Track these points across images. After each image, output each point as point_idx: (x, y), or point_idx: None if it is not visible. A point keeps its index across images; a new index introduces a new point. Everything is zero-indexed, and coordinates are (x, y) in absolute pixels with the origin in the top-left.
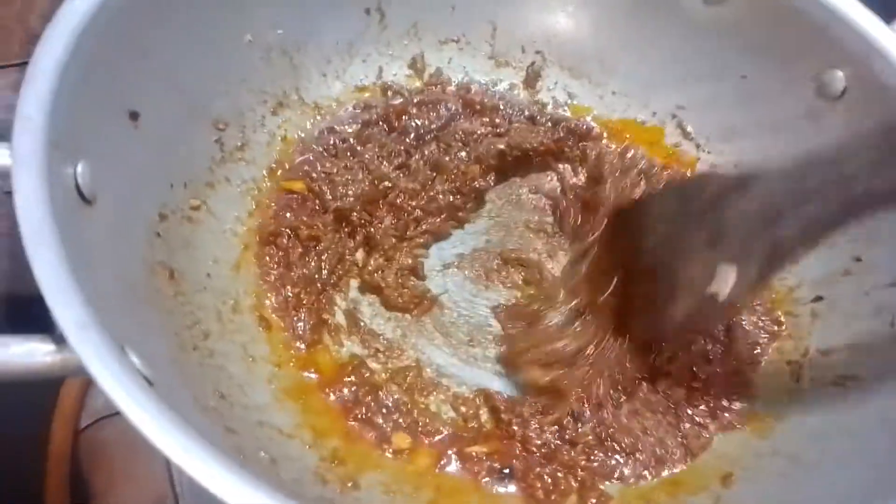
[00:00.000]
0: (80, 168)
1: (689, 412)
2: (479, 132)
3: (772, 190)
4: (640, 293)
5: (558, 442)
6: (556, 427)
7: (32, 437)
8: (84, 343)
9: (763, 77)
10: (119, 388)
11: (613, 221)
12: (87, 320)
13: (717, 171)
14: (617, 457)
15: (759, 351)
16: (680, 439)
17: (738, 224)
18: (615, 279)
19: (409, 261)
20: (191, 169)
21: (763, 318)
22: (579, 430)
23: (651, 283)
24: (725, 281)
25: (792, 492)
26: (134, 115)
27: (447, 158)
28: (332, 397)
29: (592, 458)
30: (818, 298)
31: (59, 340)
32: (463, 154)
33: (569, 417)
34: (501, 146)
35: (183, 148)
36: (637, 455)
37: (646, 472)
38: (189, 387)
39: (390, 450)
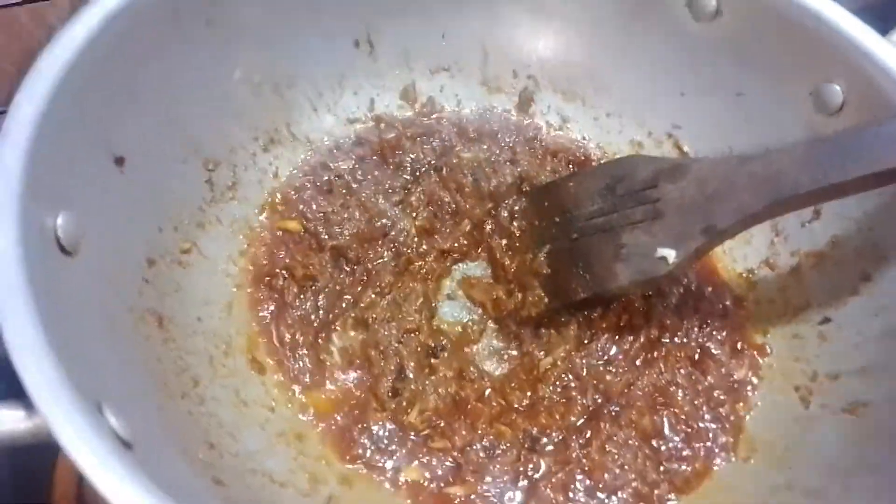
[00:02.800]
0: (60, 219)
1: (666, 442)
2: (485, 159)
3: (705, 178)
4: (581, 255)
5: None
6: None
7: (36, 491)
8: (53, 407)
9: (759, 94)
10: (89, 455)
11: (544, 194)
12: (58, 382)
13: (653, 155)
14: (600, 495)
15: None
16: (662, 473)
17: (674, 204)
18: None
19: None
20: (181, 211)
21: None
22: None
23: (591, 248)
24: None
25: None
26: (119, 161)
27: (447, 195)
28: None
29: (570, 498)
30: (826, 320)
31: (31, 405)
32: (468, 187)
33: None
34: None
35: (172, 191)
36: (619, 493)
37: None
38: (175, 439)
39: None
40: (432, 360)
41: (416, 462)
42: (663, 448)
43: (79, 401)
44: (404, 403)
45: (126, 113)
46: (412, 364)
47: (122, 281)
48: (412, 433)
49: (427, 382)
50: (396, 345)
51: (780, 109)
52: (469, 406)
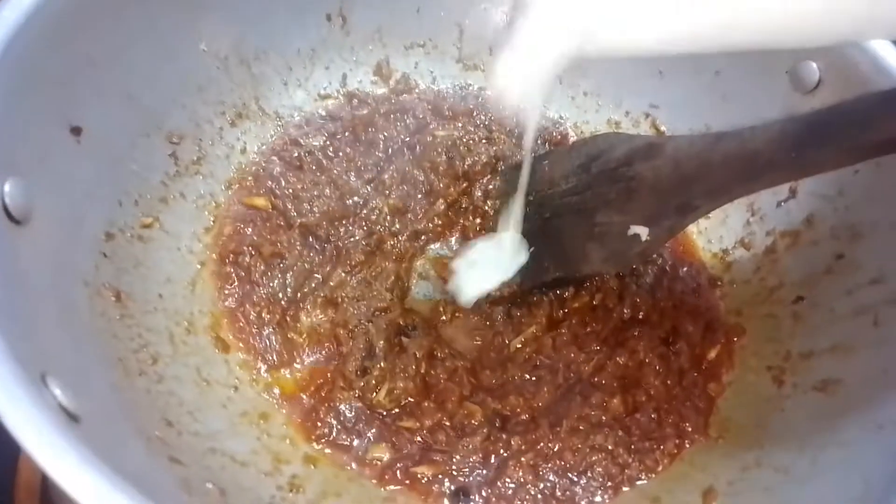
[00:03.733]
0: (7, 186)
1: (637, 423)
2: (459, 138)
3: (680, 156)
4: (554, 234)
5: (495, 462)
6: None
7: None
8: None
9: (737, 73)
10: (27, 426)
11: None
12: None
13: (628, 133)
14: (570, 475)
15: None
16: (632, 453)
17: (648, 183)
18: None
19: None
20: (142, 185)
21: None
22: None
23: (564, 227)
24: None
25: None
26: (76, 130)
27: (420, 174)
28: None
29: (540, 476)
30: (799, 299)
31: None
32: (442, 166)
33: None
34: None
35: (133, 163)
36: (589, 473)
37: (600, 491)
38: (131, 416)
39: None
40: (403, 340)
41: (384, 442)
42: (634, 428)
43: (18, 370)
44: (373, 382)
45: (83, 81)
46: (382, 343)
47: (77, 254)
48: (380, 412)
49: (397, 362)
50: (366, 324)
51: (758, 88)
52: (439, 386)
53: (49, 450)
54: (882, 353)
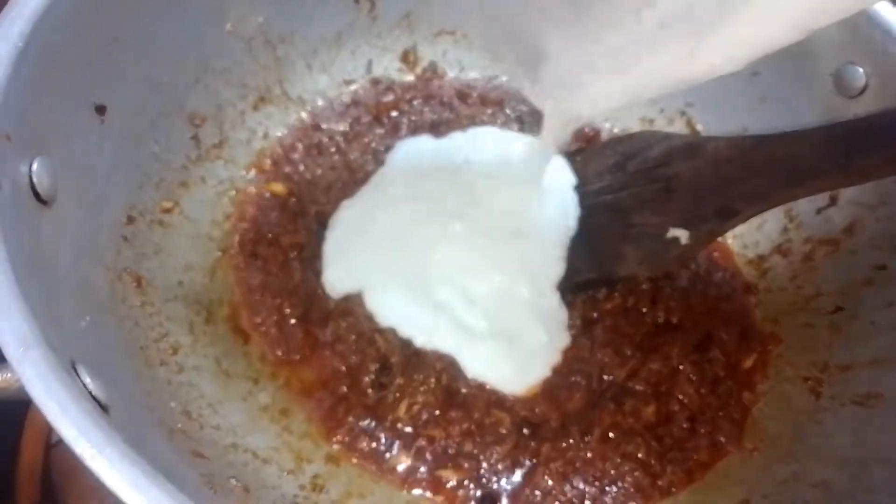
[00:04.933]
0: (35, 166)
1: (669, 432)
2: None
3: (721, 158)
4: (588, 234)
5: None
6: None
7: (2, 452)
8: (25, 362)
9: (777, 74)
10: (63, 415)
11: None
12: (31, 336)
13: (665, 132)
14: (600, 484)
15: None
16: (665, 463)
17: (687, 184)
18: None
19: None
20: (163, 168)
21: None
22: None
23: (599, 227)
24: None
25: None
26: (101, 109)
27: None
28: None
29: (569, 484)
30: (838, 309)
31: (2, 359)
32: None
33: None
34: None
35: (155, 145)
36: (619, 483)
37: (631, 502)
38: (153, 407)
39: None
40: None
41: (407, 449)
42: (667, 438)
43: (52, 357)
44: (391, 399)
45: (109, 60)
46: (395, 358)
47: (100, 237)
48: (402, 426)
49: (415, 376)
50: (377, 335)
51: (799, 90)
52: (464, 393)
53: (84, 440)
54: None
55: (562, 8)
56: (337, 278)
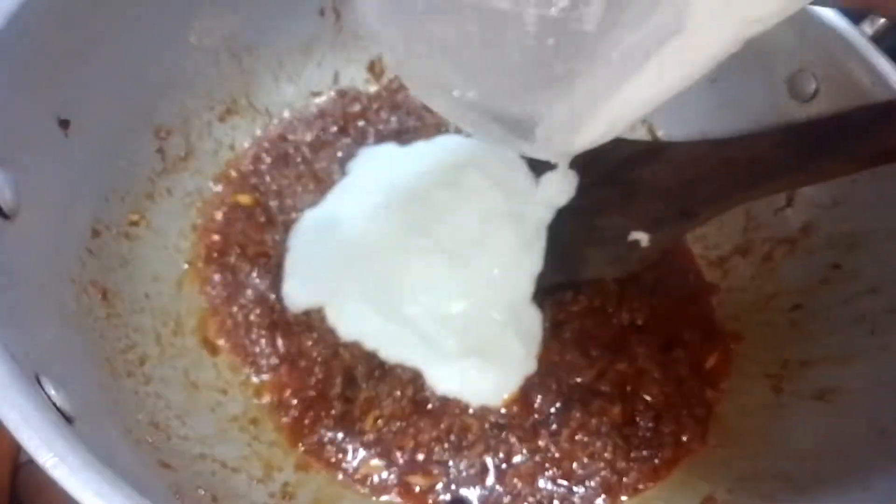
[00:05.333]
0: None
1: (636, 431)
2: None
3: (681, 162)
4: (552, 239)
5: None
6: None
7: None
8: None
9: (734, 80)
10: (25, 425)
11: None
12: None
13: (627, 138)
14: (568, 484)
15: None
16: (631, 461)
17: (648, 187)
18: None
19: None
20: (129, 181)
21: None
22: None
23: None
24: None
25: None
26: (64, 123)
27: None
28: (286, 419)
29: (538, 486)
30: (797, 307)
31: None
32: None
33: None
34: None
35: (120, 158)
36: (587, 482)
37: (598, 500)
38: (119, 418)
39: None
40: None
41: (376, 459)
42: (633, 437)
43: (15, 369)
44: (357, 412)
45: (72, 73)
46: (360, 371)
47: (65, 250)
48: (370, 436)
49: (380, 387)
50: (341, 350)
51: (755, 95)
52: (431, 402)
53: (47, 451)
54: (880, 361)
55: (541, 75)
56: (297, 292)
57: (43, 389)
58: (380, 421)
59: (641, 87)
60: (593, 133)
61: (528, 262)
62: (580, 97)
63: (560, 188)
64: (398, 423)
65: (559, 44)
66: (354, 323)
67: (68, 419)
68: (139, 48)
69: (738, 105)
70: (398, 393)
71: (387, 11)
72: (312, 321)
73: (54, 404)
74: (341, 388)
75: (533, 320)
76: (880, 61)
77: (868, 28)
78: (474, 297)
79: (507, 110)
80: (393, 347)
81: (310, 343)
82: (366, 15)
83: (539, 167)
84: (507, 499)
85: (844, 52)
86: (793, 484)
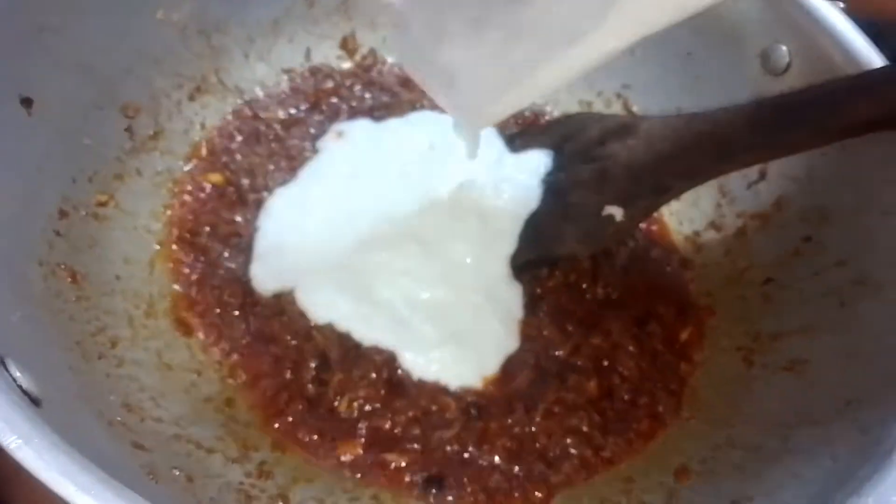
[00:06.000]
0: None
1: (612, 405)
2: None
3: (654, 137)
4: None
5: (471, 449)
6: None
7: None
8: None
9: (708, 54)
10: None
11: None
12: None
13: (601, 113)
14: (545, 458)
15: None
16: (607, 436)
17: (622, 163)
18: None
19: None
20: (96, 161)
21: None
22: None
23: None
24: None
25: (751, 485)
26: (27, 102)
27: None
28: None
29: (515, 460)
30: (769, 280)
31: None
32: None
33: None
34: None
35: (87, 138)
36: (564, 457)
37: (575, 473)
38: (90, 400)
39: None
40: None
41: (352, 439)
42: (608, 410)
43: None
44: (331, 394)
45: (35, 51)
46: (334, 353)
47: (31, 232)
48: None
49: (354, 370)
50: (314, 331)
51: (729, 70)
52: (406, 382)
53: (13, 435)
54: (847, 332)
55: (464, 31)
56: (265, 275)
57: (7, 371)
58: (355, 403)
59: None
60: (510, 103)
61: (501, 241)
62: (502, 64)
63: (535, 165)
64: (374, 405)
65: None
66: (326, 307)
67: (35, 402)
68: (103, 24)
69: (713, 80)
70: (373, 375)
71: None
72: (283, 303)
73: (20, 387)
74: (315, 370)
75: (512, 299)
76: (852, 35)
77: (841, 2)
78: (449, 281)
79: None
80: (367, 330)
81: (280, 326)
82: None
83: (515, 144)
84: (485, 475)
85: (816, 25)
86: (763, 453)
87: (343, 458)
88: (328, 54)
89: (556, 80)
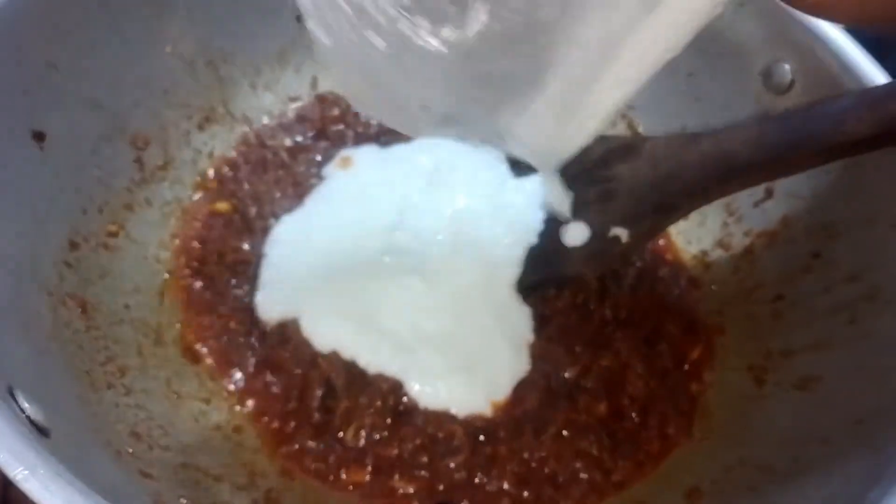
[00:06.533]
0: None
1: (622, 426)
2: None
3: (658, 157)
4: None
5: (480, 475)
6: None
7: None
8: None
9: (711, 73)
10: None
11: None
12: None
13: (604, 135)
14: (555, 482)
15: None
16: (618, 458)
17: (626, 183)
18: None
19: None
20: (107, 192)
21: None
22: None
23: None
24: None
25: None
26: (39, 136)
27: None
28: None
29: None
30: (779, 298)
31: None
32: None
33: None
34: None
35: (96, 169)
36: (574, 481)
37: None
38: (99, 430)
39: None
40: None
41: (359, 467)
42: (618, 432)
43: None
44: (338, 423)
45: (45, 86)
46: (339, 381)
47: (41, 264)
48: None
49: (360, 398)
50: (319, 358)
51: (731, 89)
52: (412, 409)
53: (21, 465)
54: (859, 349)
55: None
56: (270, 303)
57: (16, 402)
58: (362, 431)
59: (621, 69)
60: (580, 130)
61: (507, 264)
62: (556, 93)
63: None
64: (381, 433)
65: (519, 37)
66: (330, 335)
67: (43, 432)
68: (113, 58)
69: (716, 99)
70: (379, 403)
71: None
72: (288, 331)
73: (28, 417)
74: (321, 398)
75: (522, 321)
76: (855, 52)
77: None
78: (456, 309)
79: (481, 122)
80: (372, 357)
81: (286, 353)
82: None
83: (519, 166)
84: (494, 501)
85: (818, 43)
86: (776, 473)
87: (350, 486)
88: (334, 83)
89: (611, 97)
